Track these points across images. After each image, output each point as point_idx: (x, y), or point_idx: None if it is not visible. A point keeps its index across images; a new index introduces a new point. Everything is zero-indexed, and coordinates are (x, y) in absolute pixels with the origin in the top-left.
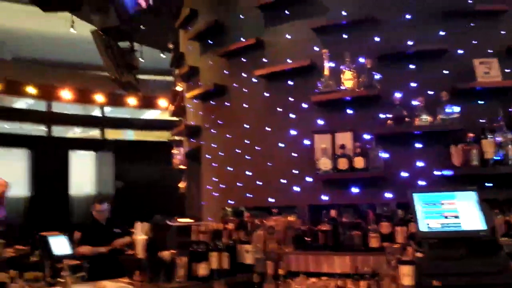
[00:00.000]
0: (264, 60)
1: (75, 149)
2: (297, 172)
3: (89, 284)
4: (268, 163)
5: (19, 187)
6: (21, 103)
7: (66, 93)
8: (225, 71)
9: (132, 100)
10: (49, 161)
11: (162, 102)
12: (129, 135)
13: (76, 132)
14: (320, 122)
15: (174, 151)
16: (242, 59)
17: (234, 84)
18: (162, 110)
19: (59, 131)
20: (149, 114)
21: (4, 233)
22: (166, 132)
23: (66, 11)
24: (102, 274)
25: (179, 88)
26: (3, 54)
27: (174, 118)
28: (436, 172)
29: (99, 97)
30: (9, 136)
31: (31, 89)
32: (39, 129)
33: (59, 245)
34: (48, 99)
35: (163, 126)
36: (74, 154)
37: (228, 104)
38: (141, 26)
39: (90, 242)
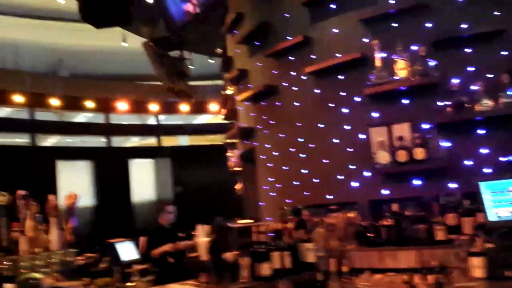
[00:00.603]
0: (312, 56)
1: (134, 158)
2: (354, 167)
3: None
4: (324, 160)
5: (85, 197)
6: (81, 117)
7: (122, 105)
8: (274, 71)
9: (184, 107)
10: (110, 171)
11: (213, 106)
12: (184, 140)
13: (133, 141)
14: (375, 114)
15: (229, 153)
16: (290, 57)
17: (284, 83)
18: (213, 114)
19: (118, 141)
20: (201, 119)
21: (75, 242)
22: (219, 135)
23: (118, 26)
24: (169, 278)
25: (229, 91)
26: (61, 71)
27: (225, 121)
28: (502, 159)
29: (154, 106)
30: (73, 150)
31: (89, 103)
32: (99, 141)
33: (126, 250)
34: (106, 112)
35: (215, 130)
36: (133, 163)
37: (279, 103)
38: (189, 35)
39: (156, 246)
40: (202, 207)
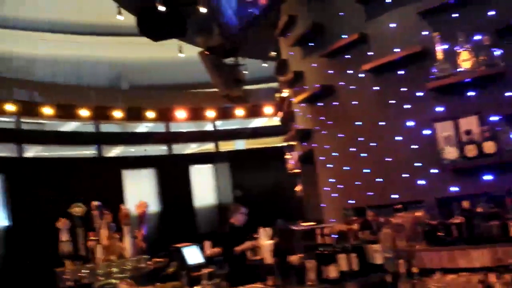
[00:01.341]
0: (369, 53)
1: (194, 164)
2: (419, 164)
3: None
4: (387, 158)
5: (150, 204)
6: (142, 127)
7: (181, 113)
8: (329, 71)
9: (240, 111)
10: (172, 177)
11: (268, 109)
12: (240, 144)
13: (192, 147)
14: (439, 109)
15: (287, 156)
16: (346, 56)
17: (340, 83)
18: (268, 117)
19: (178, 148)
20: (257, 122)
21: (146, 248)
22: (275, 138)
23: (174, 38)
24: (237, 280)
25: (285, 94)
26: (121, 84)
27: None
28: None
29: (211, 113)
30: (137, 159)
31: (150, 113)
32: (161, 149)
33: (192, 254)
34: (166, 121)
35: (271, 133)
36: (194, 168)
37: (337, 103)
38: (243, 40)
39: (231, 245)
40: (261, 210)
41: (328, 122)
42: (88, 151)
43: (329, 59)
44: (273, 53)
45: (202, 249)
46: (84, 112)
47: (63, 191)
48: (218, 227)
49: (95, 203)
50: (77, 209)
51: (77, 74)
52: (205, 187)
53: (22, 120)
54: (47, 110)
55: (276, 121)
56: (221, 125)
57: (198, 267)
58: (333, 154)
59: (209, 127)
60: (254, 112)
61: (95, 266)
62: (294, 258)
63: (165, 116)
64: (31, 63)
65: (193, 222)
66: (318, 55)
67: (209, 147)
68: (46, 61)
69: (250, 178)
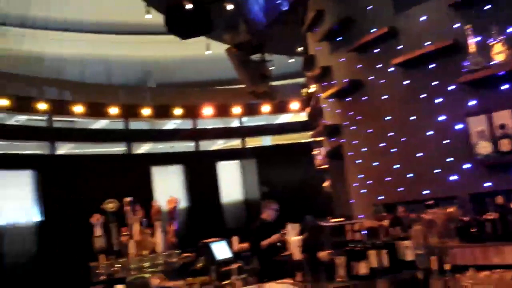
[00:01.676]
0: (399, 47)
1: (220, 160)
2: (451, 159)
3: (255, 286)
4: (418, 154)
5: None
6: (170, 124)
7: (208, 110)
8: (358, 66)
9: (266, 107)
10: (200, 174)
11: (294, 105)
12: (267, 140)
13: (219, 144)
14: (472, 103)
15: (315, 151)
16: (375, 50)
17: (370, 77)
18: (294, 113)
19: (205, 145)
20: (283, 118)
21: (176, 244)
22: (301, 133)
23: (201, 35)
24: (266, 276)
25: (312, 89)
26: (149, 82)
27: (307, 119)
28: None
29: (237, 109)
30: (165, 155)
31: (177, 111)
32: (188, 146)
33: (220, 250)
34: (193, 118)
35: (297, 128)
36: (220, 165)
37: (366, 98)
38: (270, 36)
39: (261, 239)
40: (288, 206)
41: (357, 117)
42: (118, 148)
43: (357, 54)
44: (300, 49)
45: (230, 244)
46: (113, 110)
47: (93, 187)
48: (248, 222)
49: (128, 199)
50: (110, 205)
51: (106, 73)
52: (232, 183)
53: (54, 118)
54: (78, 109)
55: (302, 116)
56: (248, 121)
57: (227, 262)
58: (362, 149)
59: (235, 123)
60: (280, 108)
61: (128, 261)
62: (323, 254)
63: (192, 113)
64: (62, 62)
65: (220, 218)
66: (347, 50)
67: (235, 143)
68: (76, 61)
69: (276, 174)
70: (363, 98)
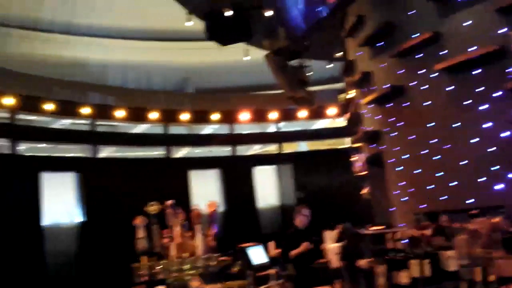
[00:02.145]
0: (442, 52)
1: (257, 165)
2: (497, 168)
3: None
4: (461, 162)
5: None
6: (207, 129)
7: (244, 115)
8: (400, 71)
9: (303, 113)
10: (236, 178)
11: (331, 110)
12: (303, 146)
13: (255, 149)
14: None
15: (354, 158)
16: (418, 55)
17: (412, 83)
18: (331, 119)
19: (241, 150)
20: (320, 124)
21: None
22: (338, 139)
23: (241, 42)
24: (302, 282)
25: (351, 95)
26: (188, 88)
27: (344, 125)
28: None
29: (273, 114)
30: (202, 160)
31: (215, 116)
32: (225, 150)
33: (257, 255)
34: (230, 123)
35: (334, 134)
36: (257, 170)
37: (407, 104)
38: (309, 42)
39: (292, 247)
40: (325, 212)
41: (398, 124)
42: (157, 152)
43: (399, 59)
44: (339, 54)
45: (266, 249)
46: (153, 115)
47: (133, 189)
48: (283, 227)
49: (169, 202)
50: (152, 207)
51: (146, 78)
52: (268, 188)
53: (97, 122)
54: (120, 113)
55: (339, 122)
56: (284, 126)
57: (263, 267)
58: (404, 156)
59: (272, 128)
60: (317, 113)
61: (169, 263)
62: (363, 263)
63: (229, 118)
64: (104, 68)
65: (256, 223)
66: (388, 55)
67: (272, 148)
68: (117, 67)
69: (312, 180)
70: (404, 104)
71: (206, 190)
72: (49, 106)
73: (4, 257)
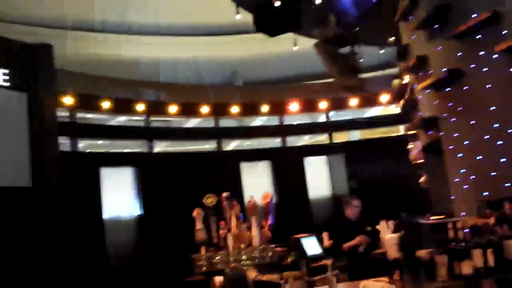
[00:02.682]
0: (503, 32)
1: (307, 156)
2: None
3: (351, 283)
4: None
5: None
6: (257, 121)
7: (294, 106)
8: (458, 54)
9: (353, 101)
10: (287, 170)
11: (383, 97)
12: (354, 135)
13: (305, 139)
14: None
15: (410, 145)
16: (477, 36)
17: (471, 66)
18: (384, 106)
19: (292, 141)
20: (372, 112)
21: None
22: (391, 127)
23: (289, 32)
24: (359, 272)
25: (406, 81)
26: (236, 81)
27: (395, 112)
28: None
29: (323, 104)
30: (253, 151)
31: (264, 108)
32: (275, 142)
33: (311, 245)
34: (279, 114)
35: (386, 122)
36: (307, 160)
37: (467, 88)
38: (361, 28)
39: (344, 238)
40: (379, 202)
41: (458, 109)
42: (208, 146)
43: (457, 41)
44: (391, 39)
45: (320, 240)
46: (204, 109)
47: (186, 182)
48: (332, 220)
49: (225, 194)
50: (209, 200)
51: (196, 73)
52: (319, 178)
53: (151, 118)
54: (172, 109)
55: (392, 109)
56: (335, 115)
57: (317, 258)
58: (464, 142)
59: (322, 118)
60: (369, 101)
61: (227, 254)
62: (423, 253)
63: (278, 109)
64: (155, 65)
65: (308, 214)
66: (445, 38)
67: (322, 138)
68: (168, 63)
69: (366, 169)
70: (464, 88)
71: (257, 182)
72: (106, 104)
73: (69, 249)
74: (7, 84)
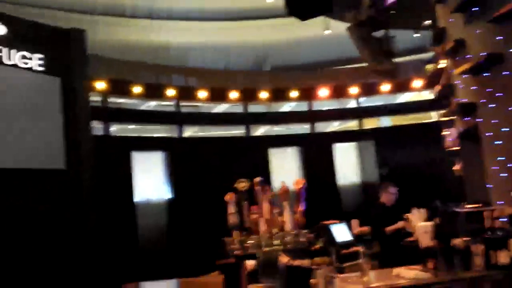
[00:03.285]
0: None
1: (336, 142)
2: None
3: (383, 271)
4: None
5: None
6: (285, 107)
7: (323, 91)
8: (498, 38)
9: (385, 86)
10: (315, 156)
11: (416, 83)
12: (385, 121)
13: (335, 125)
14: None
15: (444, 132)
16: None
17: (511, 50)
18: (416, 91)
19: (321, 127)
20: (403, 98)
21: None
22: (423, 113)
23: (321, 15)
24: (388, 261)
25: (442, 65)
26: (265, 66)
27: (428, 98)
28: None
29: (354, 89)
30: (281, 137)
31: (293, 93)
32: (304, 128)
33: (340, 232)
34: (308, 99)
35: (419, 108)
36: (336, 147)
37: (507, 73)
38: (395, 11)
39: (380, 224)
40: (411, 189)
41: (496, 94)
42: (238, 131)
43: (497, 24)
44: (427, 22)
45: (349, 227)
46: (233, 94)
47: (215, 167)
48: (365, 205)
49: (258, 179)
50: (242, 184)
51: (225, 58)
52: (348, 165)
53: (181, 103)
54: (202, 94)
55: (424, 95)
56: (365, 101)
57: (347, 245)
58: (503, 129)
59: (352, 104)
60: (401, 86)
61: (259, 238)
62: (458, 242)
63: (307, 95)
64: (185, 50)
65: (337, 200)
66: (484, 21)
67: (352, 124)
68: (197, 48)
69: (397, 156)
70: (503, 73)
71: (285, 168)
72: (137, 89)
73: (103, 231)
74: (42, 68)
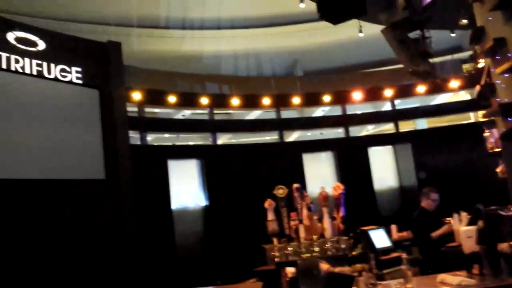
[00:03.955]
0: None
1: (372, 146)
2: None
3: (427, 277)
4: None
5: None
6: (319, 112)
7: (357, 95)
8: None
9: (421, 88)
10: (351, 160)
11: (453, 83)
12: (422, 123)
13: (369, 129)
14: None
15: (486, 133)
16: None
17: None
18: (453, 92)
19: (355, 130)
20: (439, 99)
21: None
22: (461, 114)
23: (354, 18)
24: (430, 266)
25: (481, 65)
26: (297, 71)
27: (466, 98)
28: None
29: (388, 92)
30: (315, 142)
31: (326, 97)
32: (338, 132)
33: (379, 238)
34: (342, 103)
35: (456, 109)
36: (372, 150)
37: None
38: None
39: (422, 229)
40: (450, 193)
41: None
42: (270, 137)
43: None
44: (464, 21)
45: (388, 233)
46: (266, 101)
47: (250, 174)
48: (404, 210)
49: (296, 185)
50: (280, 191)
51: (256, 65)
52: (385, 169)
53: (215, 111)
54: (235, 101)
55: (462, 96)
56: (400, 104)
57: (386, 251)
58: None
59: (387, 107)
60: (437, 87)
61: (299, 245)
62: (504, 246)
63: (341, 98)
64: (218, 59)
65: (374, 205)
66: None
67: (387, 127)
68: (229, 56)
69: (434, 159)
70: None
71: (320, 173)
72: (172, 99)
73: (141, 238)
74: (80, 81)
